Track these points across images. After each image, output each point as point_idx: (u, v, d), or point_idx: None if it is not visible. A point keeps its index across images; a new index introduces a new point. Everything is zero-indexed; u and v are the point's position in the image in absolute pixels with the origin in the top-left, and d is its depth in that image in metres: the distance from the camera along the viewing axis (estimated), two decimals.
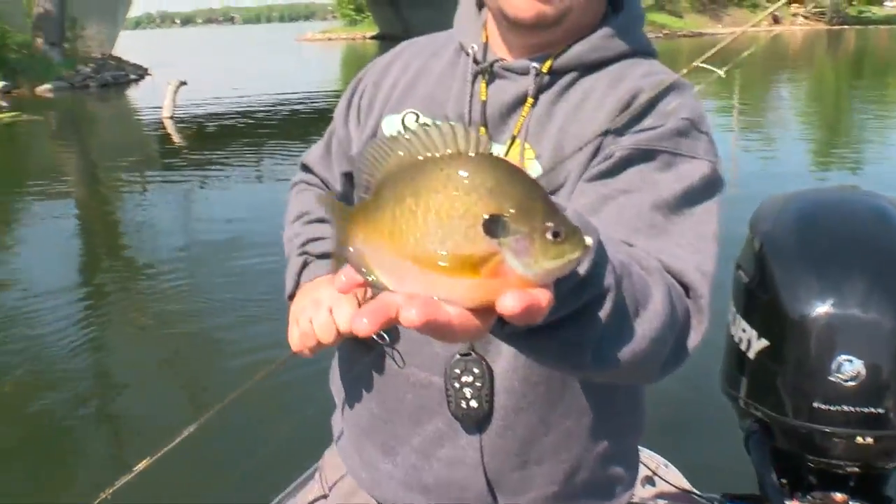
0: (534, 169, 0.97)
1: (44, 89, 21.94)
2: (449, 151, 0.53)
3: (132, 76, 26.14)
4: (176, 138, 13.21)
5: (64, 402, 3.90)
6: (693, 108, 0.98)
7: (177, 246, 6.68)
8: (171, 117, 14.28)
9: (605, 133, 0.95)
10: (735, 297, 1.69)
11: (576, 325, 0.67)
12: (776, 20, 57.60)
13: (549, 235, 0.52)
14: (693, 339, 0.85)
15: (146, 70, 27.25)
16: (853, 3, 60.21)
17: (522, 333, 0.64)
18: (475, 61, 1.03)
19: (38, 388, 4.05)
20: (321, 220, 1.17)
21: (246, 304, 4.93)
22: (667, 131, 0.94)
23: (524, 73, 1.00)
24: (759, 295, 1.59)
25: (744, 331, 1.61)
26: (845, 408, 1.40)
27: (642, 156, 0.93)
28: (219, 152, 11.35)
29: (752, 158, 9.48)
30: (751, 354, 1.59)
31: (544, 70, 0.99)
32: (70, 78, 23.36)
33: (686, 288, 0.85)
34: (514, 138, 0.99)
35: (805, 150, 10.69)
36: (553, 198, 0.61)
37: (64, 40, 25.02)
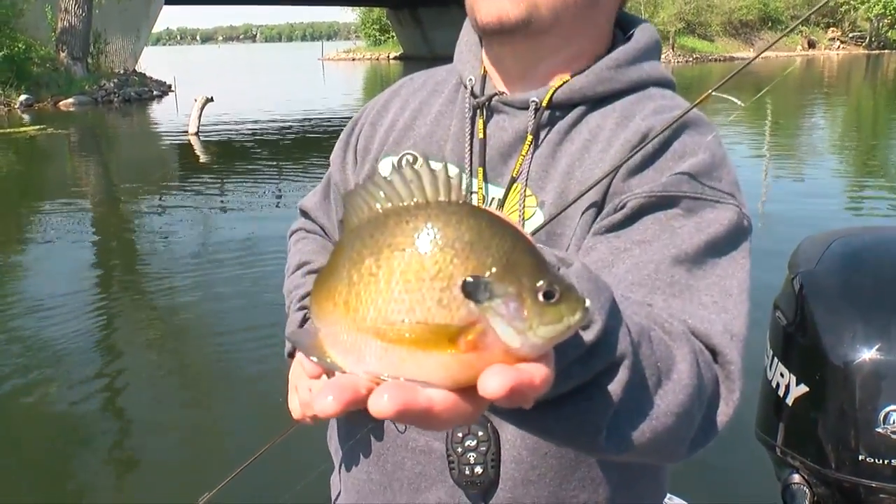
0: (536, 219, 0.89)
1: (67, 103, 22.32)
2: (416, 200, 0.45)
3: (155, 92, 26.49)
4: (201, 155, 13.35)
5: (83, 415, 3.90)
6: (713, 146, 0.88)
7: (196, 261, 6.70)
8: (197, 133, 14.44)
9: (613, 173, 0.85)
10: (772, 340, 1.61)
11: (586, 400, 0.58)
12: (811, 45, 57.16)
13: (540, 297, 0.43)
14: (723, 413, 0.75)
15: (169, 87, 27.64)
16: (894, 27, 59.45)
17: (522, 411, 0.50)
18: (473, 94, 0.96)
19: (57, 400, 4.06)
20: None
21: (261, 323, 4.90)
22: (685, 174, 0.84)
23: (524, 107, 0.93)
24: (798, 338, 1.51)
25: (782, 375, 1.53)
26: (894, 462, 1.32)
27: (659, 203, 0.83)
28: (242, 170, 11.47)
29: (784, 192, 9.24)
30: (789, 400, 1.51)
31: (544, 104, 0.91)
32: (93, 93, 23.69)
33: (713, 353, 0.76)
34: (513, 181, 0.91)
35: (841, 183, 10.39)
36: (545, 250, 0.54)
37: (88, 55, 25.43)
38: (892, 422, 1.35)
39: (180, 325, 5.30)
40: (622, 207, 0.84)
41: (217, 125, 15.85)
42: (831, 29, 60.17)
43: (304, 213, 1.21)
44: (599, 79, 0.92)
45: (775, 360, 1.58)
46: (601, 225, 0.85)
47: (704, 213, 0.83)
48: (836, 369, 1.43)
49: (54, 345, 4.73)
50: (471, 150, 0.94)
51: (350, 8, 63.37)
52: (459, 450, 0.91)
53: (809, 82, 32.64)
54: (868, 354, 1.40)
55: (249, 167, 11.76)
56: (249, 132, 16.19)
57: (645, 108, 0.91)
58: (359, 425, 1.04)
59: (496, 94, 0.95)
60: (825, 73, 38.04)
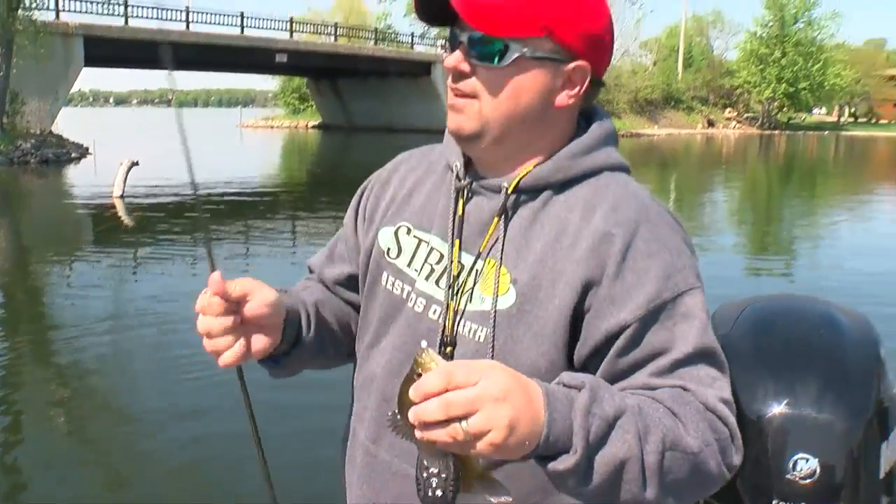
0: (509, 295, 1.02)
1: None
2: None
3: (73, 154, 25.87)
4: (124, 217, 13.13)
5: None
6: (665, 237, 1.03)
7: (109, 324, 6.56)
8: (122, 196, 14.27)
9: (588, 276, 1.00)
10: None
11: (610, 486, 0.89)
12: (711, 124, 60.73)
13: None
14: (716, 469, 0.96)
15: (87, 149, 27.00)
16: (783, 109, 63.95)
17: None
18: (458, 178, 1.10)
19: None
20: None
21: (168, 382, 4.89)
22: (653, 281, 0.99)
23: (497, 191, 1.07)
24: None
25: None
26: None
27: (647, 319, 0.99)
28: (164, 233, 11.26)
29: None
30: None
31: (510, 189, 1.05)
32: (9, 153, 23.00)
33: (726, 424, 0.98)
34: (480, 254, 1.05)
35: (742, 254, 11.05)
36: (565, 376, 0.91)
37: (3, 114, 24.72)
38: (799, 469, 1.49)
39: (86, 390, 5.17)
40: (624, 330, 0.99)
41: (138, 188, 15.57)
42: (728, 109, 64.21)
43: (311, 270, 1.33)
44: (558, 167, 1.06)
45: None
46: (621, 362, 1.00)
47: (684, 302, 1.00)
48: (750, 422, 1.57)
49: None
50: (453, 225, 1.08)
51: (269, 76, 63.49)
52: (425, 474, 0.99)
53: (710, 159, 34.60)
54: (778, 409, 1.54)
55: (172, 231, 11.59)
56: (171, 196, 15.98)
57: (605, 201, 1.04)
58: (354, 443, 1.18)
59: (476, 178, 1.09)
60: (724, 151, 40.38)
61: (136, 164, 14.59)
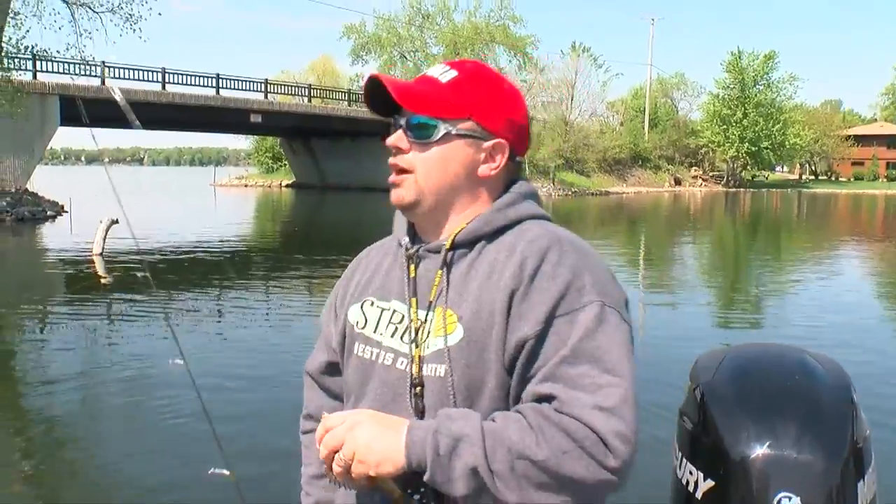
0: (457, 332, 1.18)
1: None
2: None
3: (49, 212, 25.84)
4: (103, 275, 13.08)
5: None
6: (570, 262, 1.17)
7: (82, 381, 6.48)
8: (101, 254, 14.28)
9: (511, 297, 1.15)
10: (680, 442, 1.84)
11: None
12: (678, 182, 62.05)
13: None
14: (584, 471, 1.05)
15: (62, 207, 26.89)
16: (747, 167, 65.62)
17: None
18: (406, 249, 1.29)
19: None
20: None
21: (139, 450, 4.83)
22: (553, 298, 1.14)
23: (439, 251, 1.24)
24: (703, 439, 1.75)
25: (690, 473, 1.75)
26: None
27: (543, 332, 1.13)
28: (142, 291, 11.17)
29: (659, 317, 9.92)
30: (698, 495, 1.72)
31: (448, 246, 1.23)
32: None
33: (591, 429, 1.06)
34: (431, 304, 1.21)
35: (710, 307, 11.27)
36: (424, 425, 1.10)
37: None
38: None
39: (55, 455, 5.05)
40: (523, 344, 1.14)
41: (120, 247, 15.52)
42: (694, 168, 65.74)
43: (309, 375, 1.47)
44: (486, 221, 1.24)
45: (683, 460, 1.80)
46: (521, 371, 1.15)
47: (577, 317, 1.13)
48: (735, 464, 1.66)
49: None
50: (408, 287, 1.26)
51: (243, 135, 63.87)
52: None
53: (678, 216, 35.25)
54: (761, 450, 1.64)
55: (150, 288, 11.47)
56: (149, 254, 15.90)
57: (524, 238, 1.21)
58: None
59: (421, 245, 1.28)
60: (691, 208, 41.18)
61: (116, 222, 14.54)
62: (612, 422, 1.07)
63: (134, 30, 28.02)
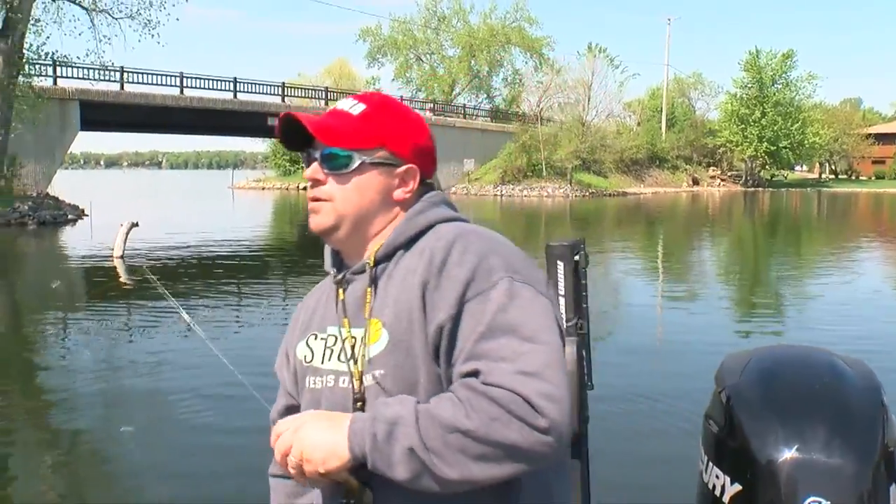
0: (382, 339, 1.23)
1: None
2: None
3: (70, 216, 26.11)
4: (124, 277, 13.26)
5: None
6: (477, 248, 1.22)
7: (101, 385, 6.59)
8: (122, 257, 14.48)
9: (423, 291, 1.20)
10: (706, 446, 1.82)
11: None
12: (696, 182, 61.66)
13: None
14: (516, 435, 1.07)
15: (83, 211, 27.21)
16: (766, 167, 65.09)
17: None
18: (333, 276, 1.36)
19: None
20: None
21: (163, 458, 4.86)
22: (463, 282, 1.18)
23: (363, 271, 1.31)
24: (729, 443, 1.72)
25: (717, 477, 1.73)
26: None
27: (458, 315, 1.17)
28: (161, 294, 11.26)
29: (678, 318, 9.82)
30: (725, 499, 1.70)
31: (371, 263, 1.29)
32: (6, 214, 23.24)
33: (515, 393, 1.08)
34: (367, 321, 1.26)
35: (730, 309, 11.14)
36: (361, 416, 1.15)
37: (2, 177, 24.93)
38: None
39: (78, 451, 5.16)
40: (441, 329, 1.18)
41: (138, 250, 15.70)
42: (712, 168, 65.29)
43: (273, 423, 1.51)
44: (400, 231, 1.31)
45: (710, 464, 1.78)
46: (446, 357, 1.19)
47: (489, 295, 1.17)
48: (763, 468, 1.64)
49: None
50: (338, 311, 1.32)
51: (260, 138, 64.22)
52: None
53: (696, 216, 35.04)
54: (789, 454, 1.61)
55: (170, 291, 11.56)
56: (169, 257, 16.14)
57: (432, 239, 1.27)
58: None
59: (346, 270, 1.34)
60: (709, 208, 40.91)
61: (136, 225, 14.97)
62: (535, 383, 1.09)
63: (152, 35, 28.35)
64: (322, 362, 1.32)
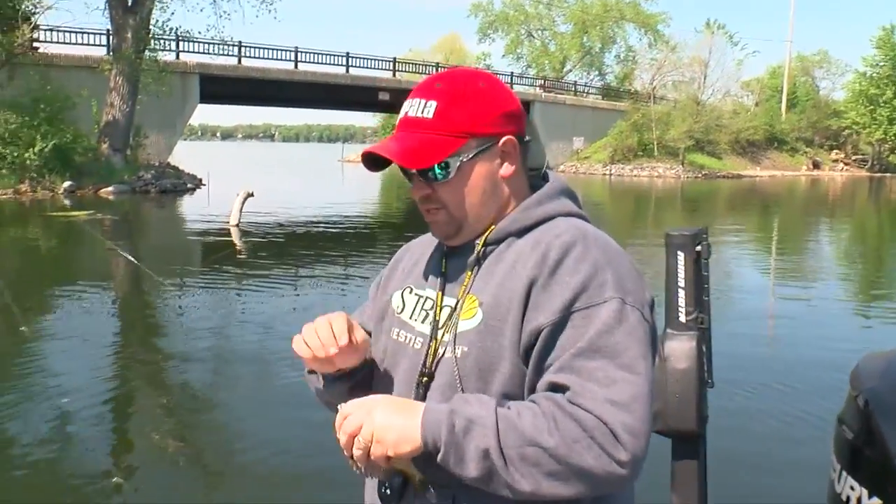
0: (476, 317, 1.23)
1: (107, 191, 23.44)
2: None
3: (189, 185, 27.49)
4: (240, 246, 13.84)
5: (93, 494, 3.95)
6: (594, 258, 1.19)
7: (216, 346, 6.91)
8: (237, 226, 15.09)
9: (530, 286, 1.19)
10: (838, 453, 1.69)
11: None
12: (816, 165, 58.47)
13: None
14: (594, 462, 1.06)
15: (200, 180, 28.57)
16: (895, 151, 60.92)
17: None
18: (443, 246, 1.36)
19: (68, 476, 4.14)
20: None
21: (268, 410, 5.04)
22: (573, 291, 1.16)
23: (472, 249, 1.30)
24: (866, 452, 1.59)
25: (852, 488, 1.60)
26: None
27: (560, 323, 1.15)
28: (275, 261, 11.76)
29: (793, 311, 9.30)
30: None
31: (480, 245, 1.29)
32: (132, 182, 24.75)
33: (601, 421, 1.07)
34: (464, 296, 1.26)
35: (851, 303, 10.43)
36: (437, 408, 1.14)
37: (127, 147, 26.40)
38: None
39: (195, 409, 5.41)
40: (539, 332, 1.16)
41: (253, 219, 16.36)
42: (835, 151, 61.69)
43: None
44: (514, 219, 1.29)
45: (843, 472, 1.65)
46: (535, 362, 1.18)
47: (594, 312, 1.15)
48: None
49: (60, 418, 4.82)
50: (440, 279, 1.33)
51: (371, 113, 65.25)
52: (383, 489, 1.25)
53: (815, 201, 33.26)
54: None
55: (281, 259, 12.16)
56: (282, 226, 16.76)
57: (550, 233, 1.24)
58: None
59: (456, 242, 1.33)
60: (830, 194, 38.76)
61: (252, 195, 15.49)
62: (622, 415, 1.08)
63: (269, 10, 29.15)
64: (411, 317, 1.34)
